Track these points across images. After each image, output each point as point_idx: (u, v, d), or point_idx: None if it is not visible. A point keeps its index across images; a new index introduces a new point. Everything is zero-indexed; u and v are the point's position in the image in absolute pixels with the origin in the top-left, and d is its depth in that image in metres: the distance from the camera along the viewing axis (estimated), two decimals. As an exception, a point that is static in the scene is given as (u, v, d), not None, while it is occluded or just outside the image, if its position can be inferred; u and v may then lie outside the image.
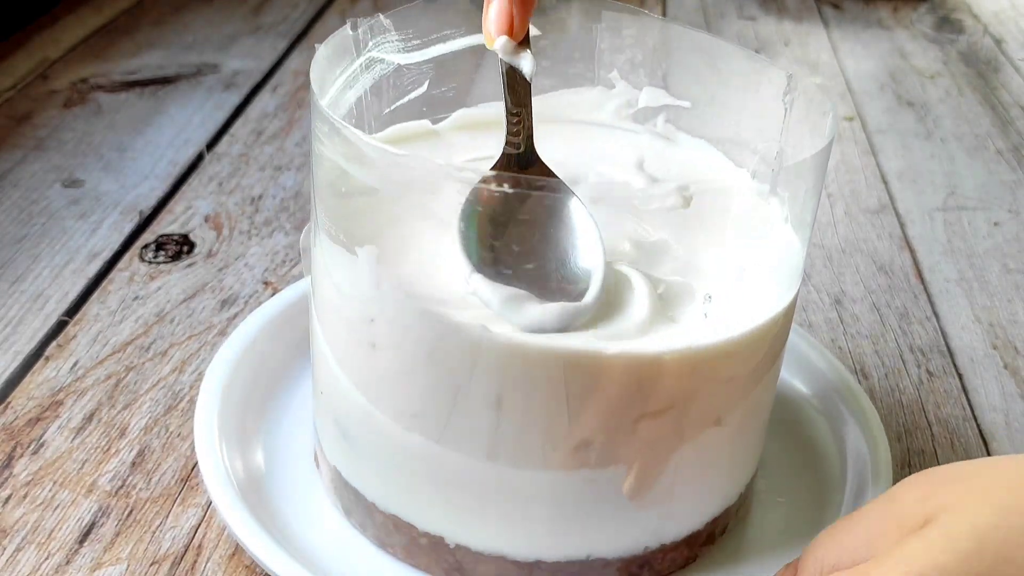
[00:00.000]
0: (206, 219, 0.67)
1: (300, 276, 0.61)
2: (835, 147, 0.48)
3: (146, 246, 0.64)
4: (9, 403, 0.50)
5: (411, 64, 0.46)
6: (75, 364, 0.53)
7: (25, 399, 0.51)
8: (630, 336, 0.36)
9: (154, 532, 0.44)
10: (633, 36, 0.47)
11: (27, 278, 0.60)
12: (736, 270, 0.39)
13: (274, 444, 0.47)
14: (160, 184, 0.71)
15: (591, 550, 0.40)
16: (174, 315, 0.58)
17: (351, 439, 0.41)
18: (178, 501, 0.46)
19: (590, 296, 0.37)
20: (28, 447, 0.48)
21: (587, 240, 0.38)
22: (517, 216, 0.38)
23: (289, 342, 0.51)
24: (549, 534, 0.40)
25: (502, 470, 0.38)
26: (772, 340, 0.39)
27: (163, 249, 0.64)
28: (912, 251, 0.71)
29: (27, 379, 0.52)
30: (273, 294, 0.56)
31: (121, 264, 0.62)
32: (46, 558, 0.42)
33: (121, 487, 0.46)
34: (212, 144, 0.77)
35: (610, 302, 0.37)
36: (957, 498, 0.33)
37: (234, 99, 0.85)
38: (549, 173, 0.41)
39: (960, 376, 0.59)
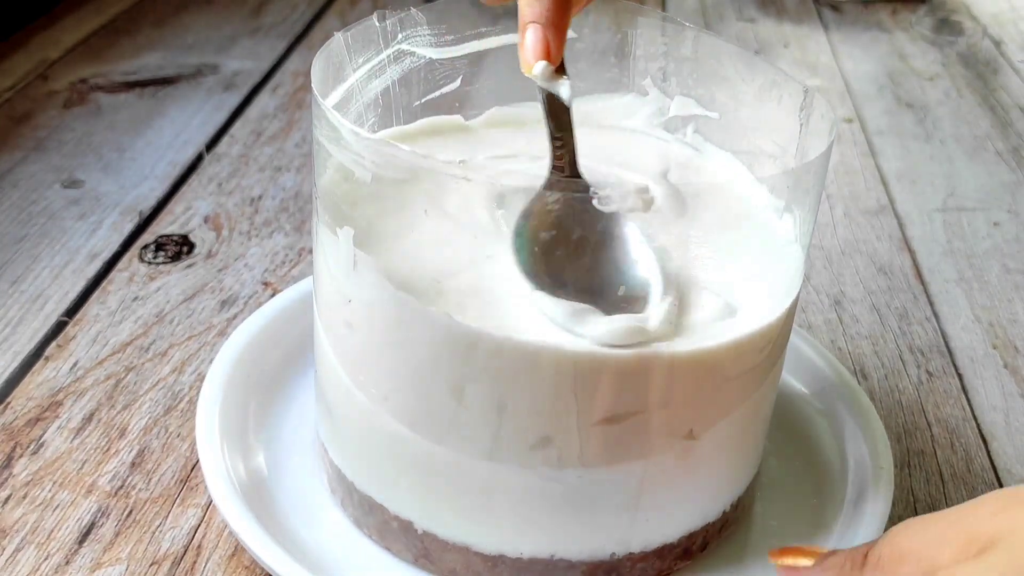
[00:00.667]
0: (206, 220, 0.67)
1: (300, 276, 0.61)
2: (835, 149, 0.48)
3: (146, 246, 0.64)
4: (9, 403, 0.50)
5: (444, 59, 0.46)
6: (75, 364, 0.53)
7: (25, 399, 0.51)
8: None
9: (154, 532, 0.44)
10: (667, 44, 0.47)
11: (27, 278, 0.60)
12: (741, 280, 0.39)
13: (275, 444, 0.47)
14: (160, 185, 0.71)
15: (555, 550, 0.40)
16: (174, 315, 0.58)
17: (334, 417, 0.42)
18: (178, 501, 0.46)
19: (655, 308, 0.37)
20: (28, 447, 0.48)
21: (640, 253, 0.38)
22: (571, 233, 0.38)
23: (289, 342, 0.51)
24: (513, 529, 0.40)
25: (464, 459, 0.38)
26: (770, 347, 0.39)
27: (163, 250, 0.64)
28: (912, 252, 0.71)
29: (27, 379, 0.52)
30: (273, 294, 0.56)
31: (121, 264, 0.62)
32: (46, 558, 0.42)
33: (121, 487, 0.46)
34: (212, 145, 0.77)
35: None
36: None
37: (234, 100, 0.85)
38: None
39: (960, 376, 0.59)
